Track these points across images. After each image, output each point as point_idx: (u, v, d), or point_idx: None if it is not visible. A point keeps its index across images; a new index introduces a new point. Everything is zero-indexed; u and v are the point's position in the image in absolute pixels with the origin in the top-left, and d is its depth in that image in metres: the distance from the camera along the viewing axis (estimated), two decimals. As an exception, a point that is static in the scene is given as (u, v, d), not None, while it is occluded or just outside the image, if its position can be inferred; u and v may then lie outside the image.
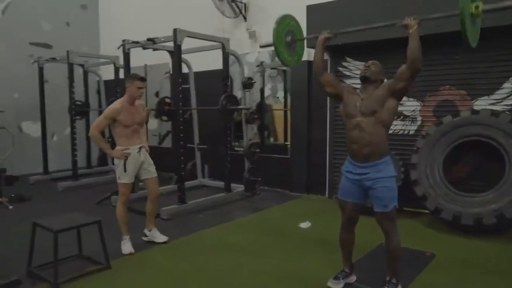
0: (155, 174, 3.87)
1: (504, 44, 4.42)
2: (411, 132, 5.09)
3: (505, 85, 4.47)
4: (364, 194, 2.77)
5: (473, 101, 4.67)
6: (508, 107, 4.44)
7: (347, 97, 2.81)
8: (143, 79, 3.65)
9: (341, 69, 5.62)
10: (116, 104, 3.64)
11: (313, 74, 3.10)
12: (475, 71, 4.63)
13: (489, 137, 4.14)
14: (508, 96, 4.46)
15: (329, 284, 2.92)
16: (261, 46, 3.48)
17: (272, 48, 3.27)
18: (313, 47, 5.49)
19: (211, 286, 3.07)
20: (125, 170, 3.63)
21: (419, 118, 5.05)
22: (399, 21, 2.64)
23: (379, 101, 2.64)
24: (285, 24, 3.19)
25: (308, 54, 5.82)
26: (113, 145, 3.88)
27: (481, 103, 4.60)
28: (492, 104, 4.54)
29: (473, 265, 3.36)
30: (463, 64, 4.70)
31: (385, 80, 2.76)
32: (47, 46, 8.08)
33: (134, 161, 3.68)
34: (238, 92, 6.49)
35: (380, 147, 2.66)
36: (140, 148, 3.75)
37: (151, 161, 3.87)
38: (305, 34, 5.38)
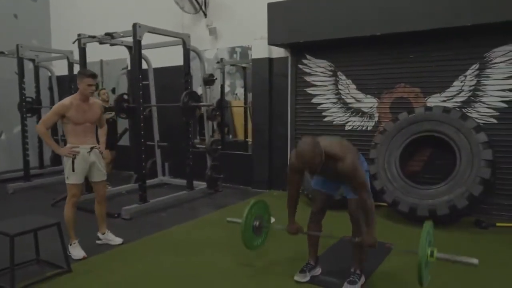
0: (105, 177, 3.79)
1: (454, 45, 4.66)
2: (369, 128, 5.26)
3: (455, 83, 4.72)
4: (336, 187, 2.93)
5: (426, 98, 4.90)
6: (458, 104, 4.69)
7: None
8: (93, 76, 3.54)
9: (301, 66, 5.70)
10: (66, 100, 3.51)
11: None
12: (428, 69, 4.86)
13: (442, 132, 4.37)
14: (458, 94, 4.72)
15: (295, 278, 2.98)
16: (228, 221, 3.31)
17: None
18: (275, 45, 5.58)
19: (184, 286, 3.02)
20: (73, 170, 3.49)
21: (376, 115, 5.23)
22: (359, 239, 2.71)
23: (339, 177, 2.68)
24: (256, 209, 3.11)
25: (270, 51, 5.88)
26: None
27: (434, 100, 4.84)
28: (444, 101, 4.78)
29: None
30: (417, 63, 4.92)
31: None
32: (-8, 39, 7.61)
33: (83, 161, 3.53)
34: (198, 88, 6.43)
35: None
36: (91, 148, 3.61)
37: (103, 164, 3.75)
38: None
